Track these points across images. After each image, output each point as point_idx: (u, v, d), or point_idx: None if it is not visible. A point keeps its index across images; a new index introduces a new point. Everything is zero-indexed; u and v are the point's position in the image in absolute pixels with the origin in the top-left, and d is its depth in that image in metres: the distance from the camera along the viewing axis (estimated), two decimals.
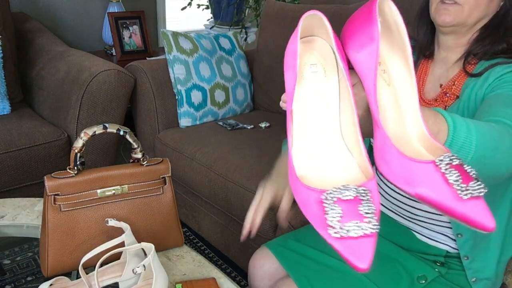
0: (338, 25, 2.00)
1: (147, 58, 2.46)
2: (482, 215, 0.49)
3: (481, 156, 0.63)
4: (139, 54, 2.57)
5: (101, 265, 0.86)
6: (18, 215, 1.15)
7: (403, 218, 1.06)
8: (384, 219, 1.09)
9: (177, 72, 1.84)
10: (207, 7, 2.97)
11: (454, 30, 0.95)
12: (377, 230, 0.48)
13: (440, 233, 1.02)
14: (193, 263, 1.02)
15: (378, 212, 0.50)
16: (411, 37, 0.60)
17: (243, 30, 2.87)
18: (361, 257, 0.47)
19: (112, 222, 0.90)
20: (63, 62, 1.87)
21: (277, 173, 0.99)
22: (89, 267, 0.89)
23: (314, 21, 0.62)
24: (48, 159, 1.69)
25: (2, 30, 1.87)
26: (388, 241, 1.07)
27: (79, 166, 0.92)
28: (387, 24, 0.62)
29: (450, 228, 1.00)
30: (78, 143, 0.89)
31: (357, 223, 0.47)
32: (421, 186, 0.51)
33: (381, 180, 1.09)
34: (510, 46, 0.92)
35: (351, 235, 0.47)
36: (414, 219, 1.04)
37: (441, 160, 0.51)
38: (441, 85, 0.99)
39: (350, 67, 0.62)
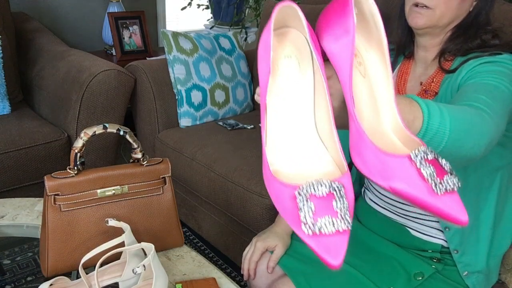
0: None
1: (147, 58, 2.46)
2: (456, 210, 0.48)
3: (455, 139, 0.64)
4: (139, 54, 2.57)
5: (101, 265, 0.86)
6: (18, 215, 1.15)
7: (396, 215, 1.07)
8: (379, 217, 1.10)
9: (177, 72, 1.84)
10: (207, 7, 2.97)
11: (428, 32, 0.97)
12: (350, 227, 0.48)
13: (433, 228, 1.03)
14: (193, 263, 1.02)
15: (351, 209, 0.50)
16: (388, 38, 0.59)
17: (243, 30, 2.87)
18: (334, 254, 0.47)
19: (112, 222, 0.90)
20: (63, 62, 1.87)
21: (269, 231, 1.10)
22: (89, 267, 0.89)
23: (289, 12, 0.61)
24: (48, 159, 1.69)
25: (2, 30, 1.87)
26: (384, 239, 1.08)
27: (79, 166, 0.92)
28: (363, 16, 0.61)
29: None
30: (78, 143, 0.89)
31: (330, 219, 0.47)
32: (395, 180, 0.50)
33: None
34: (483, 42, 0.95)
35: (324, 231, 0.46)
36: (407, 215, 1.05)
37: (416, 154, 0.50)
38: (421, 83, 1.02)
39: (326, 59, 0.61)
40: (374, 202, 1.12)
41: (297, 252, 1.07)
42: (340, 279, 0.98)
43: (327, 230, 0.46)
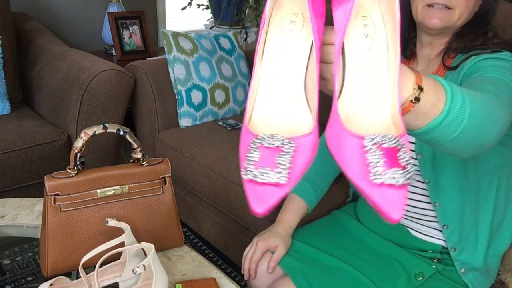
0: None
1: (147, 58, 2.46)
2: (390, 205, 0.48)
3: (473, 124, 0.63)
4: (139, 54, 2.56)
5: (101, 265, 0.86)
6: (18, 215, 1.15)
7: None
8: (379, 218, 1.09)
9: (177, 72, 1.84)
10: (207, 7, 2.97)
11: (441, 32, 0.97)
12: (285, 182, 0.49)
13: (433, 228, 1.03)
14: (193, 263, 1.02)
15: (298, 168, 0.50)
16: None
17: (243, 30, 2.87)
18: (260, 203, 0.49)
19: (112, 222, 0.90)
20: (63, 62, 1.87)
21: (270, 231, 1.10)
22: (89, 267, 0.89)
23: None
24: (48, 159, 1.69)
25: (2, 30, 1.86)
26: (384, 240, 1.08)
27: (79, 166, 0.92)
28: None
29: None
30: (78, 143, 0.89)
31: (266, 169, 0.49)
32: (339, 156, 0.51)
33: None
34: (485, 41, 0.97)
35: (258, 180, 0.49)
36: (407, 215, 1.05)
37: (372, 138, 0.49)
38: None
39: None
40: None
41: (297, 252, 1.07)
42: (340, 279, 0.98)
43: (260, 179, 0.49)
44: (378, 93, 0.55)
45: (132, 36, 2.60)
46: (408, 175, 0.48)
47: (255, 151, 0.50)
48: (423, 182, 1.00)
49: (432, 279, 0.99)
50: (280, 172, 0.49)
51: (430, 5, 0.92)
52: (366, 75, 0.56)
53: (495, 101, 0.71)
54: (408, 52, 1.07)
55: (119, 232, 0.90)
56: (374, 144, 0.49)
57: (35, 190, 1.69)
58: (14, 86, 1.94)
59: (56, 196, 0.90)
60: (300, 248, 1.08)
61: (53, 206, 0.91)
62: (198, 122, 1.90)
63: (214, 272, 0.99)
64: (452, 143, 0.63)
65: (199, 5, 2.96)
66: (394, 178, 0.47)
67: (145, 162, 0.98)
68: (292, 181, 0.49)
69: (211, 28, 2.87)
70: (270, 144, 0.50)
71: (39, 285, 0.85)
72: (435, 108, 0.60)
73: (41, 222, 0.94)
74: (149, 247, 0.85)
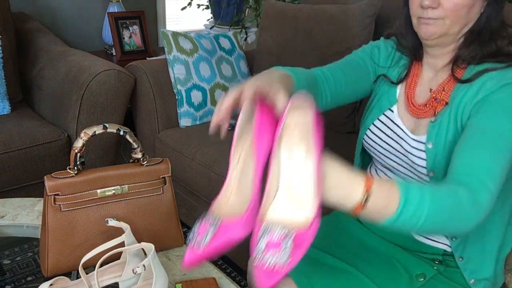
0: (338, 25, 2.01)
1: (147, 58, 2.46)
2: (260, 278, 0.64)
3: (432, 225, 0.74)
4: (139, 54, 2.56)
5: (101, 265, 0.86)
6: (18, 215, 1.15)
7: None
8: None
9: (177, 72, 1.84)
10: (207, 7, 2.97)
11: (439, 42, 0.94)
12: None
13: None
14: None
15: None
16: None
17: (243, 30, 2.87)
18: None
19: (112, 222, 0.90)
20: (63, 62, 1.87)
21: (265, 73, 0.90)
22: (89, 267, 0.89)
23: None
24: (48, 159, 1.69)
25: (2, 30, 1.86)
26: (386, 241, 1.07)
27: (79, 166, 0.92)
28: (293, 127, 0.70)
29: None
30: (78, 143, 0.89)
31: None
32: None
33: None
34: (498, 49, 0.91)
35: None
36: None
37: (266, 226, 0.67)
38: (431, 90, 0.98)
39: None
40: None
41: None
42: (342, 279, 0.98)
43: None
44: (301, 203, 0.69)
45: (132, 36, 2.60)
46: (282, 260, 0.63)
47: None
48: None
49: (434, 280, 0.98)
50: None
51: (422, 17, 0.92)
52: (292, 190, 0.69)
53: (471, 200, 0.76)
54: (418, 55, 1.03)
55: (119, 232, 0.90)
56: (265, 230, 0.65)
57: (35, 190, 1.69)
58: (14, 86, 1.94)
59: (56, 196, 0.90)
60: None
61: (53, 206, 0.91)
62: (198, 122, 1.90)
63: (214, 272, 0.99)
64: (421, 232, 0.77)
65: (199, 5, 2.96)
66: (271, 259, 0.62)
67: (145, 162, 0.98)
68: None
69: (211, 28, 2.87)
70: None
71: (39, 285, 0.85)
72: (386, 210, 0.71)
73: (41, 222, 0.94)
74: (149, 247, 0.85)
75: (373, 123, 1.07)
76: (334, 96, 1.08)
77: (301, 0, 2.16)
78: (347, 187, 0.70)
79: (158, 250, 0.88)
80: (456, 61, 0.94)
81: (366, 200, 0.70)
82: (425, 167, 0.96)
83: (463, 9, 0.89)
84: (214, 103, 1.91)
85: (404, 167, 1.02)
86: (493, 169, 0.80)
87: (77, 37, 2.65)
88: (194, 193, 1.73)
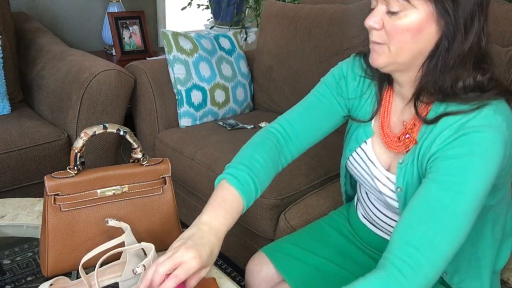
0: (338, 25, 2.01)
1: (147, 58, 2.46)
2: None
3: None
4: (139, 54, 2.57)
5: (101, 265, 0.86)
6: (18, 215, 1.15)
7: (386, 233, 1.04)
8: (369, 233, 1.07)
9: (177, 72, 1.84)
10: (207, 7, 2.97)
11: (393, 69, 0.85)
12: None
13: None
14: None
15: None
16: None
17: (243, 30, 2.87)
18: None
19: (112, 222, 0.90)
20: (63, 62, 1.87)
21: (198, 239, 0.83)
22: (89, 267, 0.89)
23: None
24: (48, 159, 1.69)
25: (2, 30, 1.86)
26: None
27: (79, 166, 0.92)
28: None
29: None
30: (78, 143, 0.89)
31: None
32: None
33: (368, 200, 1.07)
34: (474, 83, 0.79)
35: None
36: None
37: None
38: (403, 123, 0.91)
39: None
40: (365, 218, 1.09)
41: (297, 258, 1.05)
42: (339, 285, 0.97)
43: None
44: None
45: (132, 36, 2.60)
46: None
47: None
48: None
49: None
50: None
51: (371, 42, 0.83)
52: None
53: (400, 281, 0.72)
54: (389, 81, 0.94)
55: (119, 232, 0.90)
56: None
57: (35, 190, 1.69)
58: (14, 86, 1.94)
59: (56, 196, 0.90)
60: (299, 254, 1.06)
61: (53, 206, 0.91)
62: (198, 122, 1.90)
63: (214, 272, 0.99)
64: None
65: (199, 5, 2.96)
66: None
67: (145, 162, 0.98)
68: None
69: (211, 28, 2.87)
70: None
71: (39, 285, 0.85)
72: None
73: (41, 222, 0.94)
74: (149, 247, 0.85)
75: (351, 155, 1.01)
76: (300, 148, 1.02)
77: (301, 0, 2.16)
78: None
79: (158, 250, 0.88)
80: (419, 95, 0.83)
81: None
82: (397, 208, 0.91)
83: (407, 34, 0.77)
84: (214, 103, 1.91)
85: (382, 204, 0.98)
86: (431, 241, 0.74)
87: (77, 37, 2.65)
88: (194, 193, 1.73)
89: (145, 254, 0.89)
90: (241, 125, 1.86)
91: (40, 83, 1.91)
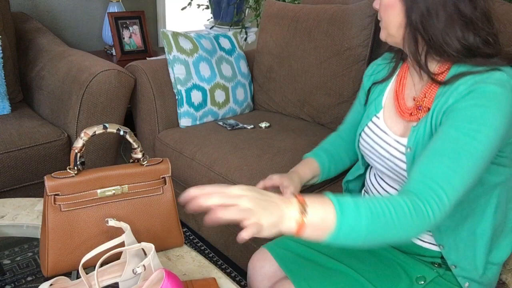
0: (338, 25, 2.01)
1: (147, 58, 2.46)
2: None
3: (375, 234, 0.75)
4: (139, 54, 2.57)
5: (101, 265, 0.86)
6: (18, 215, 1.15)
7: None
8: None
9: (177, 72, 1.84)
10: (207, 7, 2.97)
11: (392, 42, 0.96)
12: None
13: (431, 236, 1.02)
14: (193, 263, 1.02)
15: None
16: None
17: (243, 30, 2.87)
18: None
19: (112, 222, 0.90)
20: (63, 62, 1.87)
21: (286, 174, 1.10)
22: (89, 267, 0.89)
23: None
24: (48, 159, 1.69)
25: (2, 30, 1.87)
26: (386, 245, 1.06)
27: (79, 166, 0.92)
28: None
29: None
30: (78, 143, 0.89)
31: None
32: None
33: (377, 183, 1.10)
34: (463, 45, 0.87)
35: None
36: None
37: None
38: (414, 98, 0.98)
39: None
40: None
41: (299, 255, 1.06)
42: (341, 282, 0.98)
43: None
44: None
45: (132, 36, 2.60)
46: None
47: None
48: None
49: (434, 283, 0.98)
50: None
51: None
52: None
53: (413, 211, 0.76)
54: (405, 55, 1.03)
55: (119, 232, 0.90)
56: None
57: (35, 190, 1.69)
58: (14, 86, 1.94)
59: (56, 196, 0.90)
60: (301, 250, 1.07)
61: (53, 206, 0.91)
62: (198, 122, 1.90)
63: (214, 272, 0.99)
64: (366, 245, 0.77)
65: (199, 5, 2.96)
66: None
67: (145, 162, 0.98)
68: None
69: (211, 28, 2.87)
70: None
71: (39, 285, 0.85)
72: (326, 224, 0.72)
73: (41, 222, 0.94)
74: (149, 247, 0.85)
75: (363, 131, 1.08)
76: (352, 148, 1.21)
77: (301, 0, 2.16)
78: (283, 207, 0.73)
79: (158, 250, 0.88)
80: (413, 60, 0.92)
81: (304, 211, 0.72)
82: (405, 170, 0.96)
83: (387, 10, 0.92)
84: (214, 103, 1.91)
85: (390, 171, 1.02)
86: (449, 178, 0.79)
87: (77, 37, 2.65)
88: None
89: (145, 254, 0.89)
90: (241, 125, 1.86)
91: (40, 83, 1.91)
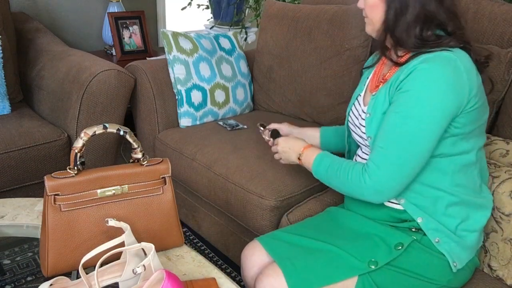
0: (338, 26, 2.02)
1: (147, 58, 2.46)
2: None
3: (330, 183, 1.16)
4: (139, 54, 2.56)
5: (101, 265, 0.86)
6: (18, 215, 1.15)
7: None
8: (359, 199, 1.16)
9: (177, 72, 1.84)
10: (207, 7, 2.97)
11: (377, 37, 1.11)
12: None
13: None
14: (193, 263, 1.02)
15: None
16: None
17: (243, 30, 2.87)
18: None
19: (112, 222, 0.90)
20: (63, 62, 1.87)
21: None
22: (89, 267, 0.89)
23: None
24: (48, 159, 1.69)
25: (2, 30, 1.86)
26: (365, 218, 1.15)
27: (79, 166, 0.92)
28: None
29: None
30: (78, 143, 0.89)
31: None
32: None
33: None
34: (426, 35, 1.03)
35: None
36: None
37: None
38: (383, 74, 1.15)
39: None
40: None
41: (284, 241, 1.13)
42: (323, 258, 1.05)
43: None
44: None
45: (132, 36, 2.60)
46: None
47: None
48: None
49: (411, 248, 1.05)
50: None
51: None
52: None
53: (357, 178, 1.05)
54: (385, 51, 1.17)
55: (119, 232, 0.90)
56: None
57: (35, 190, 1.69)
58: (14, 86, 1.94)
59: (56, 196, 0.90)
60: (288, 238, 1.14)
61: (53, 206, 0.91)
62: (198, 122, 1.90)
63: (214, 272, 0.99)
64: (332, 187, 1.15)
65: (199, 5, 2.96)
66: None
67: (145, 162, 0.98)
68: None
69: (211, 28, 2.87)
70: None
71: (39, 285, 0.85)
72: (309, 169, 1.19)
73: (41, 222, 0.94)
74: (149, 247, 0.85)
75: (351, 109, 1.24)
76: None
77: (301, 0, 2.16)
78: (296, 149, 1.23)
79: (158, 250, 0.88)
80: (389, 49, 1.10)
81: (300, 157, 1.21)
82: (365, 133, 1.12)
83: (370, 9, 1.07)
84: (214, 103, 1.92)
85: (361, 138, 1.17)
86: (385, 156, 1.02)
87: (77, 37, 2.65)
88: (194, 193, 1.73)
89: (145, 254, 0.89)
90: (241, 125, 1.86)
91: (40, 83, 1.91)
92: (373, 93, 1.13)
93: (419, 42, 1.03)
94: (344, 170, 1.08)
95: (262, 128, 1.41)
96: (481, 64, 1.06)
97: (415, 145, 0.99)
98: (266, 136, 1.39)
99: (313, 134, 1.41)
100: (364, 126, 1.13)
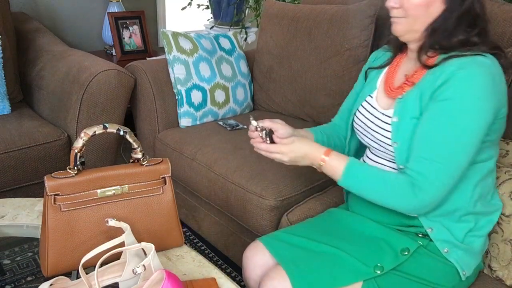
0: (338, 25, 2.02)
1: (147, 58, 2.46)
2: None
3: (366, 195, 1.06)
4: (139, 54, 2.56)
5: (101, 265, 0.86)
6: (18, 215, 1.15)
7: None
8: (363, 199, 1.12)
9: (177, 72, 1.84)
10: (207, 7, 2.97)
11: (410, 38, 1.05)
12: None
13: None
14: (193, 263, 1.02)
15: None
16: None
17: (243, 30, 2.87)
18: None
19: (112, 222, 0.90)
20: (63, 62, 1.87)
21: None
22: (89, 267, 0.89)
23: None
24: (48, 159, 1.69)
25: (2, 30, 1.86)
26: (370, 221, 1.13)
27: (79, 166, 0.92)
28: None
29: None
30: (78, 143, 0.89)
31: None
32: None
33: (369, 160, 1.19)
34: (464, 40, 1.00)
35: None
36: None
37: None
38: (405, 75, 1.09)
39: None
40: None
41: (288, 243, 1.11)
42: (328, 261, 1.03)
43: None
44: None
45: (132, 36, 2.60)
46: None
47: None
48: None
49: (417, 253, 1.04)
50: None
51: (391, 17, 1.05)
52: None
53: (403, 191, 1.00)
54: (403, 47, 1.14)
55: (119, 232, 0.90)
56: None
57: (35, 190, 1.69)
58: (14, 86, 1.94)
59: (56, 196, 0.90)
60: (291, 239, 1.12)
61: (53, 206, 0.91)
62: (198, 122, 1.90)
63: (214, 272, 0.99)
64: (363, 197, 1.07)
65: (199, 5, 2.96)
66: None
67: (145, 162, 0.98)
68: None
69: (211, 28, 2.87)
70: None
71: (39, 285, 0.85)
72: (334, 177, 1.08)
73: (41, 222, 0.94)
74: (149, 247, 0.85)
75: (358, 109, 1.20)
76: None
77: (301, 0, 2.16)
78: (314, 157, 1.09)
79: (158, 250, 0.88)
80: (422, 49, 1.04)
81: (320, 166, 1.08)
82: (389, 139, 1.07)
83: (421, 8, 1.00)
84: (214, 103, 1.91)
85: (376, 142, 1.12)
86: (440, 171, 0.96)
87: (77, 37, 2.65)
88: (194, 193, 1.73)
89: (145, 254, 0.89)
90: (241, 125, 1.86)
91: (40, 83, 1.91)
92: (399, 97, 1.07)
93: (458, 45, 1.00)
94: (385, 183, 1.01)
95: (255, 124, 1.27)
96: (506, 70, 1.03)
97: (462, 155, 0.96)
98: (262, 134, 1.29)
99: (305, 135, 1.31)
100: (386, 131, 1.08)
